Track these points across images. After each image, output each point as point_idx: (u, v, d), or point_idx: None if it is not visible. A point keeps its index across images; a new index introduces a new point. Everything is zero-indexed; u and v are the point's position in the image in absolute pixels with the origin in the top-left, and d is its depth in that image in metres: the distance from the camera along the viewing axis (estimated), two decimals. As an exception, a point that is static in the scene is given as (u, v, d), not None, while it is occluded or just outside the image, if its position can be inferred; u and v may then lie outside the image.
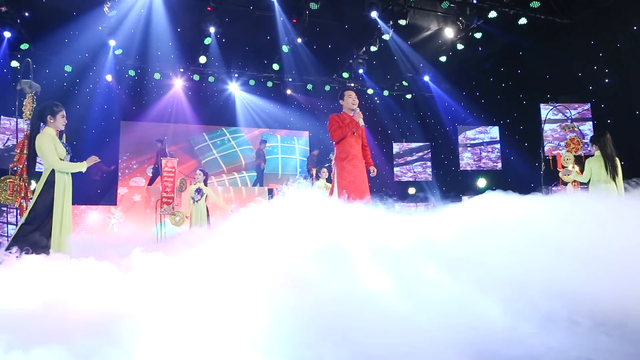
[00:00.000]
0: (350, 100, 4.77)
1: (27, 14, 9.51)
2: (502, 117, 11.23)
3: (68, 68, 10.61)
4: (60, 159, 4.08)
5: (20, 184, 4.56)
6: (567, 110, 8.50)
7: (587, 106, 8.87)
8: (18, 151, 4.59)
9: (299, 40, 10.03)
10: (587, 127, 8.85)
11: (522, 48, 10.50)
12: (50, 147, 3.97)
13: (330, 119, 4.72)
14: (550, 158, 6.82)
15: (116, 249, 3.99)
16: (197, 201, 8.07)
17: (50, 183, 4.02)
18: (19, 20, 9.22)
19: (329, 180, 9.14)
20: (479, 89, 12.08)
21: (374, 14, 8.99)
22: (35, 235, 3.95)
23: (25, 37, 9.76)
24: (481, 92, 12.05)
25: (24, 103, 4.88)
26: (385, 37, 10.13)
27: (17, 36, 9.49)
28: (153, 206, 9.91)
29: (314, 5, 8.95)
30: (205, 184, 8.27)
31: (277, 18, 9.60)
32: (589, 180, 5.76)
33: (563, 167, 6.70)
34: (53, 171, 4.04)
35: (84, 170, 4.16)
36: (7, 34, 8.90)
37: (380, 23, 9.53)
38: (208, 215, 8.25)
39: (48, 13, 9.51)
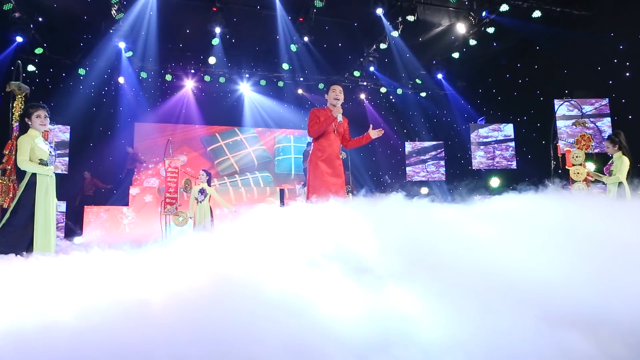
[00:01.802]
0: (333, 95, 4.56)
1: (40, 19, 9.74)
2: (517, 114, 10.85)
3: (82, 71, 10.82)
4: (40, 160, 4.09)
5: (9, 185, 4.61)
6: (583, 106, 8.10)
7: (605, 101, 8.46)
8: (7, 152, 4.64)
9: (306, 38, 9.93)
10: (605, 123, 8.44)
11: (538, 42, 10.13)
12: (23, 148, 4.00)
13: (310, 113, 4.55)
14: (560, 156, 6.50)
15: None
16: (200, 202, 8.08)
17: (31, 184, 4.04)
18: (32, 25, 9.44)
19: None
20: (494, 85, 11.72)
21: (379, 11, 8.80)
22: (16, 236, 3.97)
23: (39, 42, 10.02)
24: (497, 88, 11.69)
25: (14, 105, 4.94)
26: (394, 34, 9.92)
27: (31, 41, 9.74)
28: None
29: (318, 3, 8.84)
30: (209, 185, 8.28)
31: (282, 17, 9.52)
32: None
33: (573, 165, 6.39)
34: (35, 173, 4.06)
35: (49, 173, 4.15)
36: (19, 39, 9.12)
37: (384, 21, 9.35)
38: (212, 215, 8.26)
39: (60, 18, 9.71)
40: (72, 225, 10.06)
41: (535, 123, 10.48)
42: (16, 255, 3.78)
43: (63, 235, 9.42)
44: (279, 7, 9.09)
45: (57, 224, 9.22)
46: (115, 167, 12.10)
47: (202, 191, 8.11)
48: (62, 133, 9.97)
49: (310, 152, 4.57)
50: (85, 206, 10.36)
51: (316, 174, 4.40)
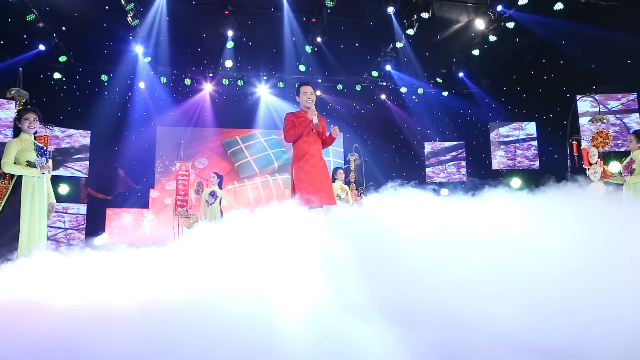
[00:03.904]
0: (305, 98, 4.42)
1: (63, 28, 10.08)
2: (542, 111, 10.38)
3: (104, 77, 11.13)
4: (28, 162, 4.17)
5: (8, 187, 4.75)
6: (608, 102, 7.64)
7: (633, 96, 7.95)
8: (6, 157, 4.78)
9: (319, 39, 9.85)
10: (634, 120, 7.93)
11: (562, 36, 9.64)
12: (9, 150, 4.10)
13: (285, 118, 4.42)
14: (576, 154, 6.14)
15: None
16: (211, 204, 8.13)
17: (17, 185, 4.13)
18: (54, 34, 9.79)
19: (347, 182, 8.89)
20: (519, 82, 11.27)
21: (390, 10, 8.61)
22: (5, 237, 4.06)
23: (63, 50, 10.39)
24: (521, 86, 11.22)
25: (15, 110, 5.10)
26: (410, 32, 9.71)
27: (55, 49, 10.11)
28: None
29: (329, 3, 8.74)
30: (220, 187, 8.33)
31: (294, 18, 9.48)
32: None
33: (590, 163, 6.03)
34: (21, 175, 4.15)
35: (34, 175, 4.21)
36: (41, 47, 9.47)
37: (394, 20, 9.14)
38: (222, 217, 8.31)
39: (82, 26, 10.02)
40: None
41: (561, 121, 9.99)
42: (3, 256, 3.88)
43: (84, 236, 9.70)
44: (287, 8, 9.05)
45: (78, 225, 9.57)
46: (139, 170, 12.37)
47: (212, 194, 8.17)
48: (83, 138, 10.27)
49: (291, 156, 4.47)
50: (107, 208, 10.66)
51: (299, 176, 4.29)
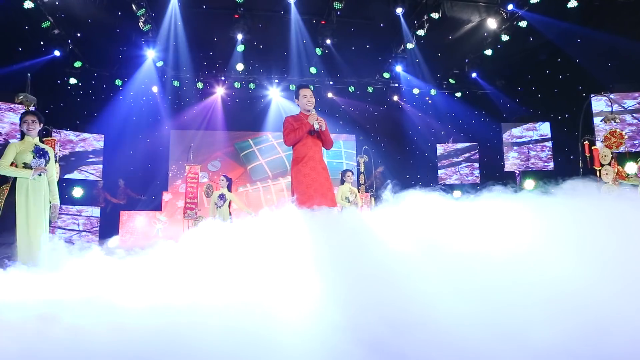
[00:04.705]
0: (305, 101, 4.36)
1: (78, 35, 10.28)
2: (556, 111, 10.15)
3: (118, 82, 11.31)
4: (24, 164, 4.23)
5: (6, 190, 4.83)
6: (625, 100, 7.43)
7: (651, 95, 7.72)
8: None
9: (328, 41, 9.84)
10: (652, 119, 7.69)
11: (577, 35, 9.42)
12: (7, 152, 4.19)
13: (285, 121, 4.37)
14: (588, 155, 5.98)
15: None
16: (220, 207, 8.17)
17: (12, 187, 4.19)
18: (69, 41, 9.99)
19: (357, 185, 8.84)
20: (533, 82, 11.05)
21: (399, 11, 8.54)
22: (4, 238, 4.13)
23: (78, 56, 10.59)
24: (536, 86, 11.01)
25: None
26: (420, 32, 9.62)
27: (70, 55, 10.31)
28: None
29: (337, 5, 8.72)
30: (229, 190, 8.36)
31: (303, 21, 9.49)
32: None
33: (601, 164, 5.85)
34: (16, 177, 4.22)
35: (27, 177, 4.23)
36: (56, 53, 9.67)
37: (403, 21, 9.05)
38: (232, 220, 8.33)
39: (96, 31, 10.20)
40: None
41: (577, 121, 9.75)
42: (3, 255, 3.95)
43: (98, 238, 9.85)
44: (294, 10, 9.02)
45: (92, 228, 9.71)
46: (153, 173, 12.52)
47: (221, 196, 8.20)
48: (96, 141, 10.44)
49: (291, 160, 4.43)
50: (121, 211, 10.81)
51: (297, 179, 4.26)
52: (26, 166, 4.25)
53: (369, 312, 1.98)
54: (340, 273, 2.31)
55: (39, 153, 4.29)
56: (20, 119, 4.39)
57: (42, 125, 4.40)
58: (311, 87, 4.64)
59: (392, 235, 2.77)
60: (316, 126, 4.27)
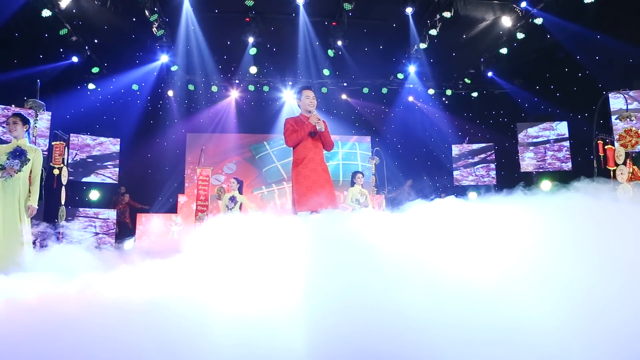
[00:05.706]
0: (307, 102, 4.34)
1: (95, 41, 10.52)
2: (575, 110, 9.87)
3: (135, 87, 11.52)
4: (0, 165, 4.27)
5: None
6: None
7: (674, 91, 7.43)
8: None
9: (339, 42, 9.80)
10: (674, 117, 7.38)
11: (596, 30, 9.15)
12: None
13: (286, 122, 4.34)
14: (602, 155, 5.78)
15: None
16: (231, 209, 8.22)
17: None
18: (87, 47, 10.23)
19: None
20: (551, 81, 10.78)
21: (408, 11, 8.44)
22: None
23: (95, 61, 10.83)
24: (554, 84, 10.73)
25: (33, 119, 5.32)
26: (432, 32, 9.50)
27: (88, 61, 10.56)
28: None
29: (347, 6, 8.68)
30: (240, 192, 8.40)
31: (312, 23, 9.49)
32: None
33: (616, 164, 5.65)
34: None
35: None
36: (74, 59, 9.91)
37: (411, 21, 8.94)
38: (242, 222, 8.36)
39: (112, 37, 10.42)
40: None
41: (597, 120, 9.46)
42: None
43: (114, 240, 10.03)
44: (302, 12, 9.02)
45: (108, 230, 9.88)
46: (170, 176, 12.70)
47: (232, 199, 8.25)
48: (113, 145, 10.65)
49: (292, 162, 4.41)
50: (137, 213, 10.98)
51: (298, 181, 4.24)
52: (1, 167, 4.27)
53: (352, 320, 1.94)
54: (325, 279, 2.27)
55: (15, 154, 4.28)
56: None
57: (27, 126, 4.41)
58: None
59: (388, 242, 2.71)
60: (319, 127, 4.24)
